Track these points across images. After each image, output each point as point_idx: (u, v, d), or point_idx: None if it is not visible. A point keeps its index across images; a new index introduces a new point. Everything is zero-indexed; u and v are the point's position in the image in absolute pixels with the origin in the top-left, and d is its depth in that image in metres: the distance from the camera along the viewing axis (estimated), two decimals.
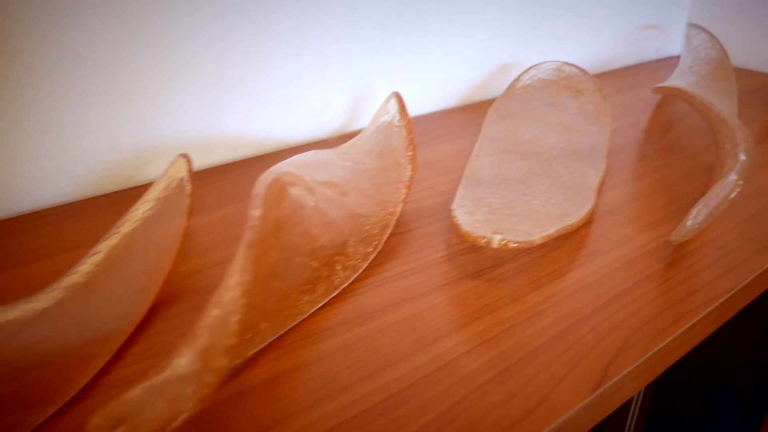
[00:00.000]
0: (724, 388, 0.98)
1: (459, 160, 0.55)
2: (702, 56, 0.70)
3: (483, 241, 0.36)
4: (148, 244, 0.37)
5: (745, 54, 0.87)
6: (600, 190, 0.50)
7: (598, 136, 0.57)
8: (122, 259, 0.36)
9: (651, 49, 0.89)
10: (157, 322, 0.34)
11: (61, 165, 0.47)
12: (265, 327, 0.32)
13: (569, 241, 0.43)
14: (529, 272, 0.39)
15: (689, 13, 0.91)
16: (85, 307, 0.33)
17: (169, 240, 0.36)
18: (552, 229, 0.39)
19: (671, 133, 0.62)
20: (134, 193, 0.49)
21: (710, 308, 0.36)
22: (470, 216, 0.40)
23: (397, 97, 0.52)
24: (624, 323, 0.34)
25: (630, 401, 0.78)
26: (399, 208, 0.42)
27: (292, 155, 0.51)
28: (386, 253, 0.41)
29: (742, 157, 0.40)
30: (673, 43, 0.94)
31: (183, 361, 0.23)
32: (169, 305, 0.35)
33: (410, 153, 0.45)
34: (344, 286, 0.37)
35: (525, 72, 0.65)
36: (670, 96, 0.73)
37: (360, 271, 0.38)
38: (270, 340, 0.32)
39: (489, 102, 0.70)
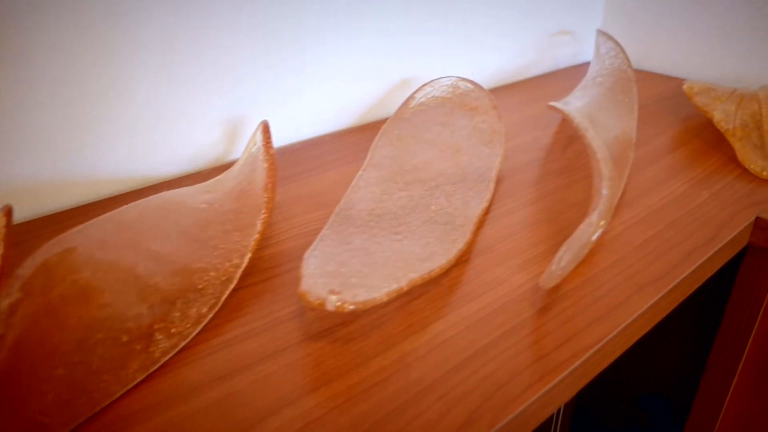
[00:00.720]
0: (656, 395, 0.96)
1: (340, 191, 0.51)
2: (607, 66, 0.67)
3: (317, 302, 0.32)
4: None
5: (661, 59, 0.85)
6: (482, 222, 0.46)
7: (490, 159, 0.53)
8: None
9: (566, 55, 0.87)
10: None
11: None
12: (49, 422, 0.28)
13: (438, 286, 0.39)
14: (383, 328, 0.35)
15: (603, 18, 0.89)
16: None
17: None
18: (404, 281, 0.35)
19: (570, 150, 0.59)
20: None
21: (578, 362, 0.33)
22: (319, 267, 0.36)
23: (264, 127, 0.48)
24: (475, 390, 0.31)
25: (551, 418, 0.75)
26: (246, 259, 0.38)
27: (164, 190, 0.46)
28: (228, 312, 0.36)
29: (605, 191, 0.37)
30: (589, 49, 0.91)
31: None
32: None
33: (266, 196, 0.41)
34: (168, 357, 0.33)
35: (419, 89, 0.61)
36: None
37: (191, 337, 0.34)
38: None
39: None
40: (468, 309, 0.37)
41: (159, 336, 0.33)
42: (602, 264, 0.41)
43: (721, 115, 0.59)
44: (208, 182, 0.49)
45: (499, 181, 0.53)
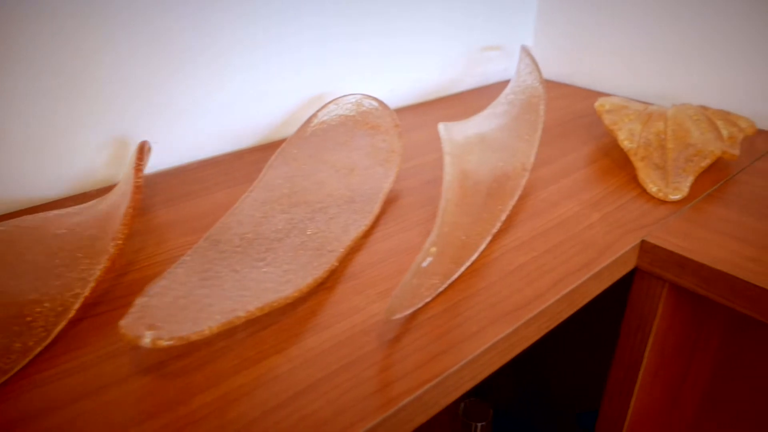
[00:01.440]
0: (595, 412, 0.96)
1: (222, 214, 0.49)
2: (521, 82, 0.66)
3: (133, 338, 0.31)
4: None
5: (591, 74, 0.84)
6: (360, 246, 0.45)
7: (382, 180, 0.52)
8: None
9: (498, 70, 0.86)
10: None
11: None
12: None
13: (290, 315, 0.38)
14: (219, 362, 0.34)
15: (534, 33, 0.88)
16: None
17: None
18: (242, 312, 0.34)
19: None
20: None
21: (407, 399, 0.32)
22: (155, 298, 0.35)
23: (139, 147, 0.46)
24: (292, 430, 0.30)
25: None
26: (88, 289, 0.37)
27: (49, 210, 0.45)
28: (64, 344, 0.35)
29: (438, 220, 0.36)
30: None
31: None
32: None
33: (124, 221, 0.40)
34: None
35: (323, 107, 0.60)
36: None
37: (12, 372, 0.33)
38: None
39: None
40: (313, 341, 0.36)
41: None
42: (468, 291, 0.40)
43: (625, 134, 0.58)
44: (84, 204, 0.48)
45: (390, 202, 0.52)
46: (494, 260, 0.44)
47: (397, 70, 0.74)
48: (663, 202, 0.53)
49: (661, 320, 0.49)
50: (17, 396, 0.31)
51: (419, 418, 0.33)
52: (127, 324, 0.31)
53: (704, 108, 0.63)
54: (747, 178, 0.57)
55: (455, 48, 0.80)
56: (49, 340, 0.34)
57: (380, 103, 0.60)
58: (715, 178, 0.57)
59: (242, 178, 0.56)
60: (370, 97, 0.61)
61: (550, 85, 0.85)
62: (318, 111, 0.60)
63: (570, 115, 0.73)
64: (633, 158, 0.57)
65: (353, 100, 0.61)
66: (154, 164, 0.56)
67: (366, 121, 0.59)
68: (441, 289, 0.40)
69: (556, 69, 0.87)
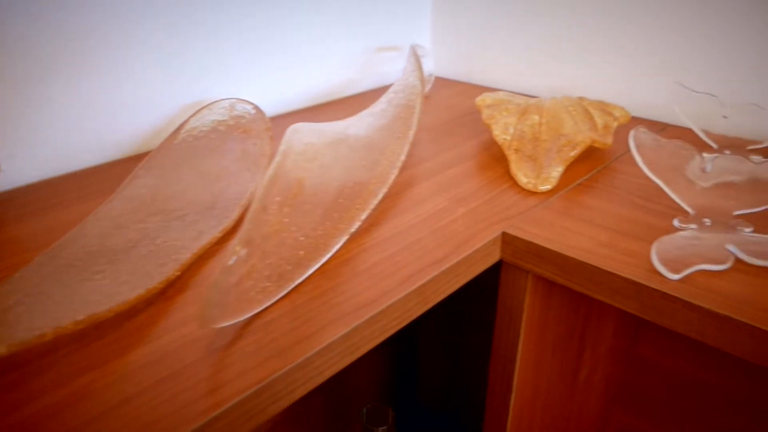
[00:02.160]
0: None
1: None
2: (403, 81, 0.66)
3: None
4: None
5: (486, 71, 0.85)
6: (213, 253, 0.44)
7: (247, 184, 0.51)
8: None
9: (396, 70, 0.86)
10: None
11: None
12: None
13: (125, 327, 0.36)
14: (33, 381, 0.32)
15: (431, 33, 0.88)
16: None
17: None
18: (49, 329, 0.32)
19: None
20: None
21: (212, 414, 0.30)
22: None
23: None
24: None
25: None
26: None
27: None
28: None
29: (247, 219, 0.35)
30: None
31: None
32: None
33: None
34: None
35: (195, 113, 0.59)
36: None
37: None
38: None
39: None
40: (135, 354, 0.34)
41: None
42: (313, 293, 0.39)
43: (500, 128, 0.59)
44: None
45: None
46: (348, 260, 0.43)
47: (288, 73, 0.73)
48: (533, 193, 0.53)
49: (530, 312, 0.49)
50: None
51: (244, 426, 0.32)
52: None
53: (582, 99, 0.64)
54: (620, 166, 0.58)
55: (352, 49, 0.79)
56: None
57: (254, 106, 0.59)
58: (590, 167, 0.58)
59: (106, 190, 0.54)
60: (243, 100, 0.59)
61: (447, 84, 0.86)
62: (190, 117, 0.58)
63: (459, 112, 0.73)
64: (507, 151, 0.57)
65: (226, 104, 0.59)
66: (11, 180, 0.54)
67: (238, 125, 0.58)
68: (283, 294, 0.39)
69: (453, 68, 0.88)
